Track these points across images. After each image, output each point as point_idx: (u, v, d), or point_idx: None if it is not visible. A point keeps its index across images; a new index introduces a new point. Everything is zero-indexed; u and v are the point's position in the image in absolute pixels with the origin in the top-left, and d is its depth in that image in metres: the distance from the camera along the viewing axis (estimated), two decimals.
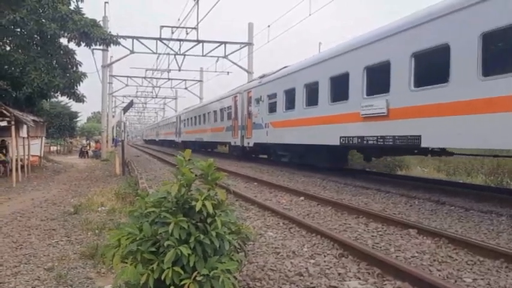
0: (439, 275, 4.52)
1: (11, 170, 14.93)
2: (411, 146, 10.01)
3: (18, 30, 16.82)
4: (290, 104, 15.95)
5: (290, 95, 15.92)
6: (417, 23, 9.42)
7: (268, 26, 25.93)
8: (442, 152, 11.08)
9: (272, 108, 17.76)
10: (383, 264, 4.67)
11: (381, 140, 10.70)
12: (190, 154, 3.70)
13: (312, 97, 14.11)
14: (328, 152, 14.48)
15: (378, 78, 10.82)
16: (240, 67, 31.44)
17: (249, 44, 30.86)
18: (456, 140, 8.76)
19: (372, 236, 6.30)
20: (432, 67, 9.39)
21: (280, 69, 17.99)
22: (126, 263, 3.20)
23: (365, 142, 11.30)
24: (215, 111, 27.61)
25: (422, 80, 9.45)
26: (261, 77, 20.58)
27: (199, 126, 32.36)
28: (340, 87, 12.42)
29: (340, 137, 12.35)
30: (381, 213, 7.65)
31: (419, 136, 9.44)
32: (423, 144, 9.45)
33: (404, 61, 9.68)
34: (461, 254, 5.29)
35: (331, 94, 13.02)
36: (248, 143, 20.67)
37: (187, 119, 37.55)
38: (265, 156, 21.64)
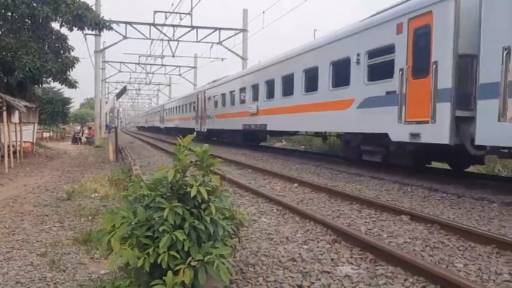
0: (431, 260, 4.57)
1: (3, 156, 14.81)
2: (264, 130, 18.67)
3: (9, 14, 16.53)
4: (223, 103, 24.68)
5: (223, 97, 24.65)
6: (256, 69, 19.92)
7: (263, 12, 25.77)
8: (279, 132, 20.54)
9: (216, 105, 25.99)
10: (376, 250, 4.70)
11: (256, 126, 19.17)
12: (190, 141, 3.68)
13: (233, 99, 22.94)
14: (244, 134, 22.81)
15: (255, 92, 19.51)
16: (235, 53, 31.24)
17: (244, 30, 30.63)
18: (282, 126, 16.81)
19: (365, 222, 6.34)
20: (271, 89, 17.57)
21: (223, 77, 26.14)
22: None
23: (250, 127, 19.90)
24: (186, 104, 35.13)
25: (267, 95, 18.09)
26: (213, 81, 28.06)
27: (176, 115, 39.89)
28: (243, 95, 21.18)
29: (242, 125, 20.78)
30: (374, 199, 7.69)
31: (266, 124, 18.00)
32: (268, 129, 18.09)
33: (263, 84, 18.39)
34: (453, 239, 5.34)
35: (239, 99, 21.72)
36: (204, 129, 28.43)
37: (168, 109, 45.72)
38: (216, 138, 29.64)
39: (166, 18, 28.46)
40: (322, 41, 13.71)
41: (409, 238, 5.41)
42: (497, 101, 7.32)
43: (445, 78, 8.60)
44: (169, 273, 3.02)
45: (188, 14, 27.51)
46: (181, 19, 28.11)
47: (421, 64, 9.28)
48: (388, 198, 8.30)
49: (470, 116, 8.16)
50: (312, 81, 14.01)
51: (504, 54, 7.18)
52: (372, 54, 11.03)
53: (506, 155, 8.52)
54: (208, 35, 30.05)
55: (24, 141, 18.44)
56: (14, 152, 15.57)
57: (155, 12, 27.89)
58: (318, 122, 13.75)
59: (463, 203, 7.72)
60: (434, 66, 8.85)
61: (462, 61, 8.47)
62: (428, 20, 9.09)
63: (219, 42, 30.61)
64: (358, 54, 11.37)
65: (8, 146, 14.56)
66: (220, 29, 29.94)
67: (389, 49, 10.31)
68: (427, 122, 9.03)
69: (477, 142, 7.89)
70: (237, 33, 30.63)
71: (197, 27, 29.04)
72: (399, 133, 9.93)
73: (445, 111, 8.58)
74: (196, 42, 30.05)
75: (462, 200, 7.97)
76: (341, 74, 12.34)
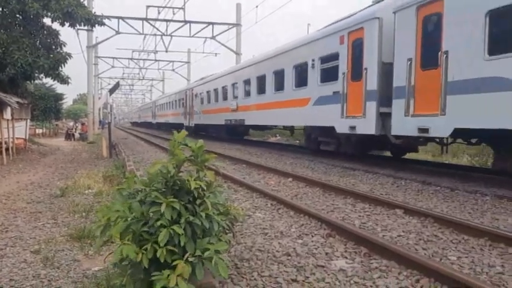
0: (425, 254, 4.60)
1: None
2: (243, 124, 20.40)
3: (0, 9, 16.34)
4: (208, 99, 26.66)
5: (208, 94, 26.55)
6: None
7: (257, 7, 25.66)
8: (256, 127, 21.67)
9: (202, 101, 27.89)
10: (370, 244, 4.73)
11: (236, 121, 21.06)
12: (184, 137, 3.65)
13: (216, 96, 24.85)
14: (227, 128, 25.02)
15: (235, 90, 21.51)
16: (228, 48, 31.11)
17: (237, 24, 30.49)
18: (257, 121, 18.65)
19: (359, 216, 6.37)
20: (248, 88, 19.61)
21: (209, 75, 27.83)
22: (113, 242, 3.17)
23: (231, 122, 21.78)
24: (176, 101, 37.25)
25: (244, 93, 20.03)
26: (201, 79, 29.83)
27: (167, 111, 42.11)
28: (225, 93, 23.30)
29: (224, 120, 22.77)
30: (368, 193, 7.72)
31: (244, 119, 19.89)
32: (245, 123, 19.96)
33: (241, 83, 20.36)
34: (447, 233, 5.38)
35: (221, 96, 23.83)
36: (192, 124, 30.14)
37: (159, 105, 47.92)
38: (203, 132, 30.86)
39: (159, 13, 28.24)
40: (287, 47, 15.78)
41: (402, 232, 5.44)
42: (404, 100, 9.27)
43: (372, 81, 10.47)
44: (177, 267, 3.01)
45: (181, 8, 27.34)
46: (174, 14, 27.94)
47: (357, 69, 11.13)
48: (382, 192, 8.34)
49: (390, 112, 9.85)
50: (280, 82, 16.10)
51: (408, 64, 9.12)
52: (323, 60, 12.93)
53: (421, 143, 10.78)
54: (202, 29, 29.89)
55: (17, 138, 18.27)
56: (7, 149, 15.44)
57: (148, 7, 27.67)
58: (285, 117, 15.82)
59: (456, 196, 7.77)
60: (365, 72, 10.72)
61: (386, 68, 10.16)
62: (361, 34, 10.95)
63: (213, 37, 30.44)
64: (313, 60, 13.37)
65: (0, 143, 14.43)
66: (213, 23, 29.77)
67: (335, 56, 12.15)
68: (360, 117, 10.94)
69: (392, 133, 9.88)
70: (230, 28, 30.49)
71: (190, 22, 28.87)
72: (342, 126, 11.84)
73: (372, 108, 10.46)
74: (190, 37, 29.88)
75: (455, 194, 8.03)
76: (301, 76, 14.46)
